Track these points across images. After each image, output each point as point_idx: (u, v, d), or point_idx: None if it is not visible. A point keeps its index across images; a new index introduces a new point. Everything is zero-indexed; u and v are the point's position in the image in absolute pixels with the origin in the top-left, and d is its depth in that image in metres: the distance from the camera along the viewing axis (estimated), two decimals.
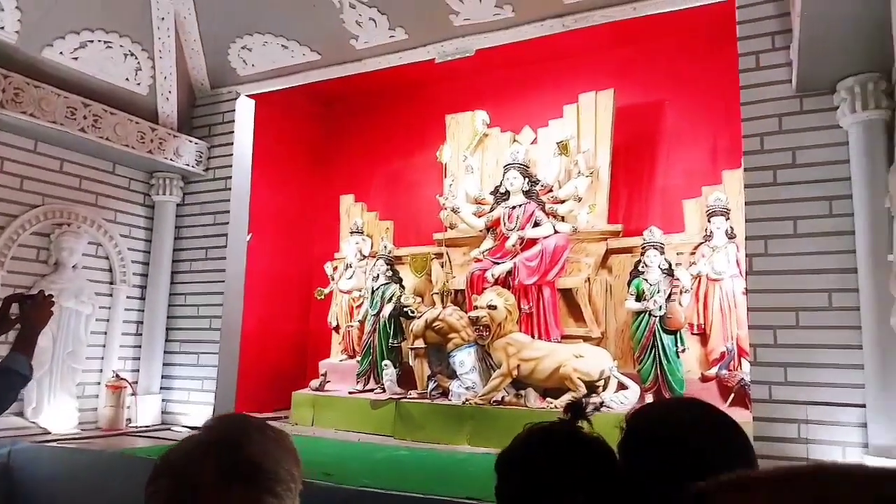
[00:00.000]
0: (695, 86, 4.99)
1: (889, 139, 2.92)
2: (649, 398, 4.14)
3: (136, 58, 4.70)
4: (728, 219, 4.42)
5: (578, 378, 4.20)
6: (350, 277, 5.56)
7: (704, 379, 4.29)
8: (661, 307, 4.27)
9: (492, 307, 4.45)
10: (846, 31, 2.64)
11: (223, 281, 4.76)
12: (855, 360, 2.90)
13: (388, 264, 5.26)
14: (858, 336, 2.90)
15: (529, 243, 4.81)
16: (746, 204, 3.26)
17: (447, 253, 5.15)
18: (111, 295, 4.71)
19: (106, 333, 4.64)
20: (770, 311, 3.14)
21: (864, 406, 2.85)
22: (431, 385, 4.66)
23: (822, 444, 2.91)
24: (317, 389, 5.11)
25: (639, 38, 5.05)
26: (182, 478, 0.77)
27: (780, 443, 2.98)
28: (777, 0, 3.28)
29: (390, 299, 5.11)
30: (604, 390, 4.23)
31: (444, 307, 4.74)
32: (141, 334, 4.84)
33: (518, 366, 4.36)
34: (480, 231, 5.14)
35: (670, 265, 4.40)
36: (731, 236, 4.39)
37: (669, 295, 4.29)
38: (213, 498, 0.76)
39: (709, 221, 4.46)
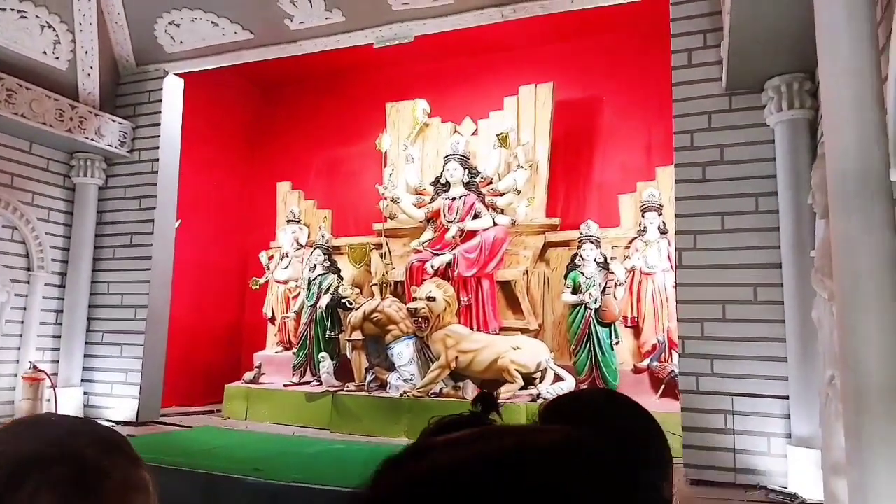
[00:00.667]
0: (631, 82, 5.02)
1: (812, 138, 2.97)
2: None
3: (55, 30, 4.37)
4: (661, 214, 4.47)
5: (516, 370, 4.20)
6: (286, 267, 5.42)
7: (637, 371, 4.35)
8: (596, 300, 4.29)
9: (431, 299, 4.39)
10: (773, 32, 2.66)
11: (149, 269, 4.55)
12: (779, 352, 2.95)
13: (325, 254, 5.13)
14: (782, 329, 2.95)
15: (469, 235, 4.78)
16: (676, 199, 3.28)
17: (387, 243, 5.06)
18: (28, 282, 4.43)
19: (23, 322, 4.39)
20: (698, 304, 3.18)
21: (787, 398, 2.90)
22: (369, 377, 4.59)
23: (749, 435, 2.95)
24: (251, 382, 4.97)
25: (578, 33, 5.05)
26: None
27: (708, 433, 3.01)
28: None
29: (328, 290, 4.99)
30: (541, 382, 4.23)
31: (382, 298, 4.66)
32: (61, 324, 4.58)
33: (456, 357, 4.32)
34: (420, 222, 5.08)
35: (605, 259, 4.43)
36: (663, 231, 4.44)
37: (604, 288, 4.33)
38: None
39: (643, 216, 4.52)
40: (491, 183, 4.99)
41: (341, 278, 5.09)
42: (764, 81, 3.09)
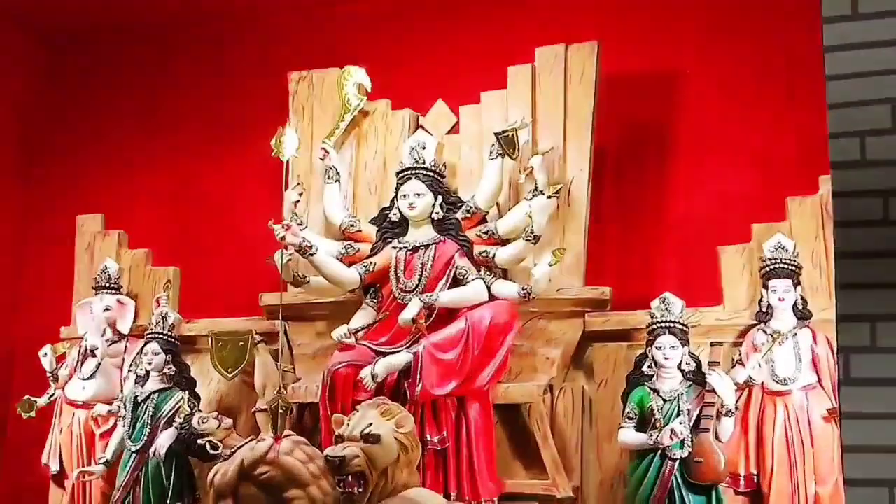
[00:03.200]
0: (739, 46, 5.07)
1: None
2: None
3: None
4: (798, 283, 4.45)
5: None
6: (90, 376, 5.29)
7: None
8: (683, 442, 4.17)
9: (371, 439, 4.13)
10: None
11: None
12: None
13: (167, 351, 4.98)
14: None
15: (442, 317, 4.68)
16: (839, 257, 3.11)
17: (286, 332, 4.91)
18: None
19: None
20: (881, 452, 2.96)
21: None
22: None
23: None
24: None
25: None
26: None
27: None
28: None
29: (170, 420, 4.83)
30: None
31: (276, 438, 4.34)
32: None
33: None
34: (351, 291, 4.99)
35: (699, 365, 4.35)
36: (803, 314, 4.42)
37: (698, 420, 4.23)
38: None
39: (764, 287, 4.49)
40: (484, 220, 4.94)
41: (196, 398, 4.97)
42: None
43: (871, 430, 2.93)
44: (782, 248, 4.47)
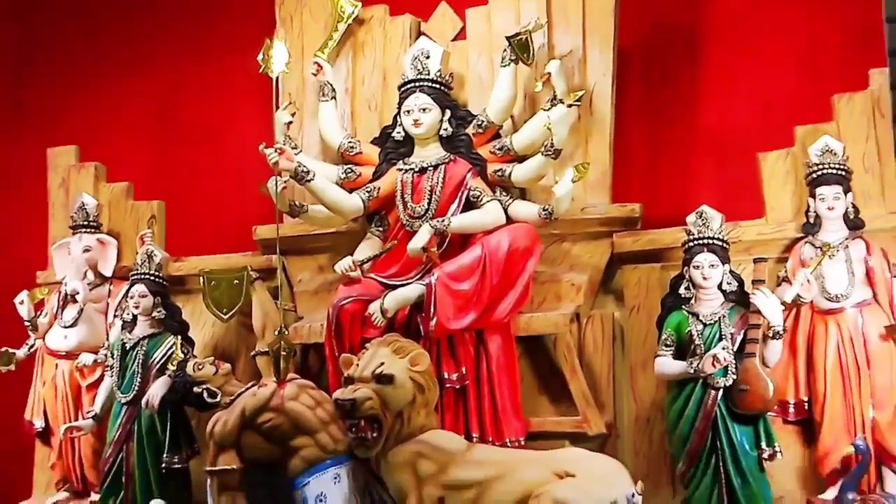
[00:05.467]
0: None
1: None
2: None
3: None
4: (849, 189, 4.39)
5: None
6: (72, 323, 5.34)
7: None
8: (727, 369, 4.14)
9: (384, 379, 4.15)
10: None
11: None
12: None
13: (155, 293, 5.01)
14: None
15: (456, 243, 4.67)
16: None
17: (283, 267, 4.96)
18: None
19: None
20: None
21: None
22: None
23: None
24: None
25: None
26: None
27: None
28: None
29: (162, 368, 4.85)
30: None
31: (279, 382, 4.42)
32: None
33: (442, 499, 4.11)
34: (353, 220, 4.99)
35: (741, 284, 4.32)
36: (854, 224, 4.38)
37: (742, 344, 4.19)
38: None
39: (811, 196, 4.44)
40: (498, 135, 4.90)
41: (190, 343, 5.01)
42: None
43: None
44: (830, 152, 4.40)
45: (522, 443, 4.47)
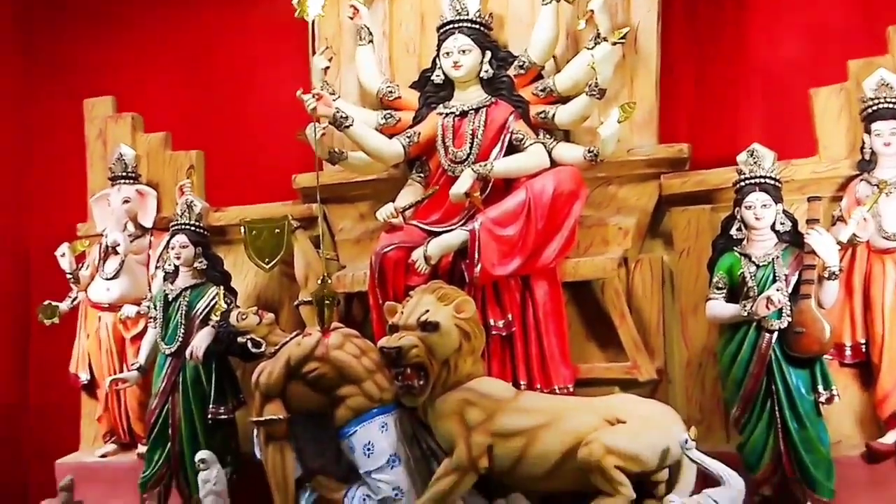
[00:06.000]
0: None
1: None
2: None
3: None
4: None
5: (617, 466, 3.97)
6: (114, 275, 5.38)
7: (873, 453, 4.25)
8: (781, 311, 4.13)
9: (430, 326, 4.18)
10: None
11: None
12: None
13: (196, 244, 5.03)
14: None
15: (499, 188, 4.66)
16: None
17: (324, 215, 4.98)
18: None
19: None
20: None
21: None
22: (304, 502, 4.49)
23: None
24: None
25: None
26: None
27: None
28: None
29: (205, 318, 4.91)
30: (670, 489, 4.06)
31: (324, 331, 4.44)
32: None
33: (490, 447, 4.14)
34: (394, 166, 5.00)
35: (795, 224, 4.29)
36: None
37: (797, 285, 4.18)
38: None
39: (867, 132, 4.39)
40: (540, 76, 4.87)
41: (233, 293, 5.04)
42: None
43: None
44: (886, 86, 4.34)
45: (571, 390, 4.49)
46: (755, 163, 4.32)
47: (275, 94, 5.45)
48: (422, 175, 4.90)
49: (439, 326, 4.15)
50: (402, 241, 4.63)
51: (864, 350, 4.35)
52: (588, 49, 4.65)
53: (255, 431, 4.58)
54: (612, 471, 3.93)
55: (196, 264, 5.03)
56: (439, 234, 4.61)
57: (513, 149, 4.69)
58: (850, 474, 4.18)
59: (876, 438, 4.26)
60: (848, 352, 4.37)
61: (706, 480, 4.04)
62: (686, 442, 3.97)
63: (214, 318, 4.83)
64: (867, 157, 4.37)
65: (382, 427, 4.33)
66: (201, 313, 4.95)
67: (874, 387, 4.31)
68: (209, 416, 4.88)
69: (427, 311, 4.19)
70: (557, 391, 4.45)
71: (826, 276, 4.13)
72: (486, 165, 4.59)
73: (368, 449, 4.30)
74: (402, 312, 4.27)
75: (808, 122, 4.69)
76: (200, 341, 4.83)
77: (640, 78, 4.85)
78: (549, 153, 4.67)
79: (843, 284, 4.29)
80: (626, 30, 4.69)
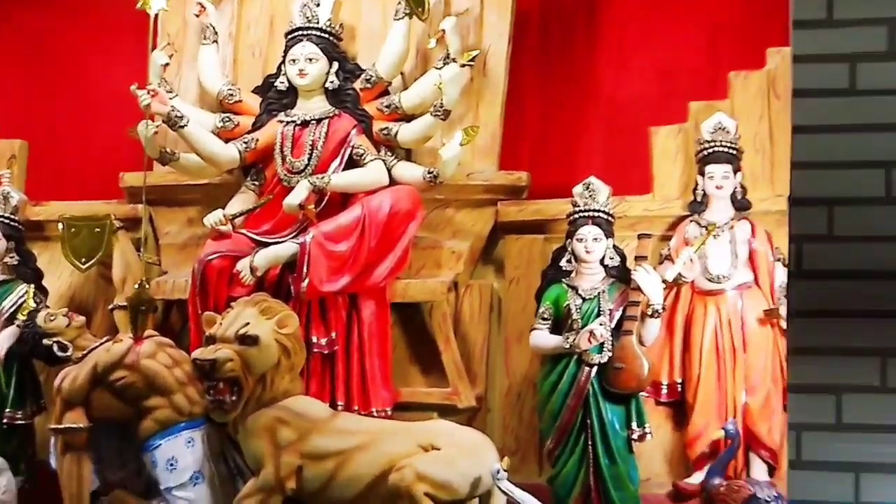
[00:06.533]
0: None
1: None
2: None
3: None
4: (738, 169, 4.45)
5: (427, 494, 3.97)
6: None
7: (680, 492, 4.33)
8: (602, 346, 4.19)
9: (247, 340, 4.11)
10: None
11: None
12: None
13: (8, 237, 4.92)
14: None
15: (334, 202, 4.64)
16: (796, 132, 3.01)
17: (150, 217, 4.89)
18: None
19: None
20: (831, 355, 2.88)
21: None
22: None
23: None
24: None
25: None
26: None
27: None
28: None
29: (11, 317, 4.80)
30: None
31: (136, 338, 4.37)
32: None
33: (300, 468, 4.09)
34: (228, 171, 4.92)
35: (624, 260, 4.37)
36: (741, 204, 4.45)
37: (621, 321, 4.24)
38: None
39: (700, 174, 4.49)
40: (387, 92, 4.86)
41: (43, 292, 4.93)
42: None
43: (821, 330, 2.85)
44: (723, 129, 4.45)
45: (389, 413, 4.50)
46: (590, 196, 4.36)
47: (110, 87, 5.32)
48: (256, 183, 4.84)
49: (258, 340, 4.10)
50: (228, 250, 4.58)
51: (679, 390, 4.43)
52: (437, 69, 4.67)
53: (53, 440, 4.46)
54: (422, 498, 3.93)
55: (7, 259, 4.90)
56: (269, 244, 4.58)
57: (352, 163, 4.68)
58: None
59: (684, 478, 4.34)
60: (664, 390, 4.44)
61: None
62: (498, 472, 3.99)
63: (21, 317, 4.74)
64: (699, 198, 4.46)
65: (189, 442, 4.25)
66: (7, 311, 4.82)
67: (686, 427, 4.38)
68: (5, 420, 4.74)
69: (247, 323, 4.13)
70: (375, 413, 4.44)
71: (649, 313, 4.20)
72: (323, 178, 4.57)
73: (172, 464, 4.22)
74: (220, 323, 4.20)
75: (646, 159, 4.77)
76: (3, 340, 4.73)
77: (486, 102, 4.88)
78: (389, 171, 4.68)
79: (665, 323, 4.37)
80: (475, 52, 4.73)
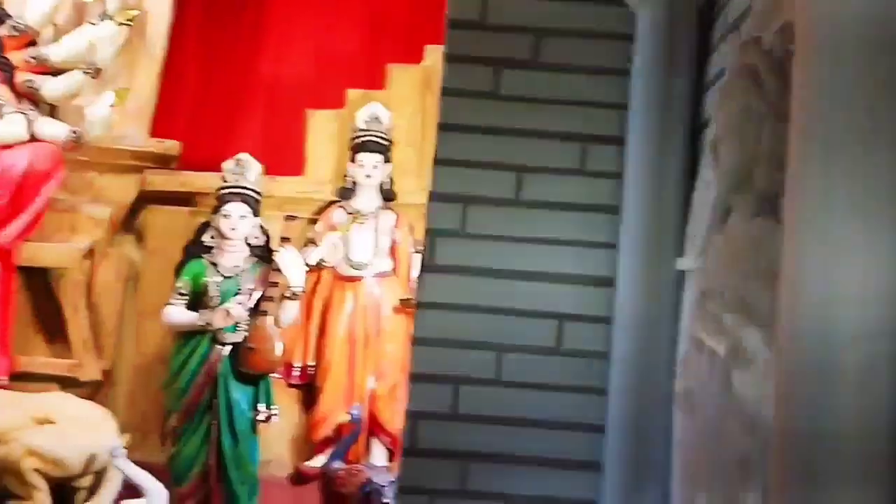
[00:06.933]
0: None
1: (708, 30, 3.04)
2: None
3: None
4: (389, 160, 4.58)
5: (37, 469, 3.93)
6: None
7: (300, 477, 4.40)
8: (237, 325, 4.20)
9: None
10: None
11: None
12: (592, 453, 2.89)
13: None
14: (602, 408, 2.89)
15: None
16: (441, 130, 3.13)
17: None
18: None
19: None
20: (451, 347, 2.97)
21: None
22: None
23: None
24: None
25: None
26: None
27: None
28: None
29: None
30: (92, 496, 4.05)
31: None
32: None
33: None
34: None
35: (269, 240, 4.38)
36: (387, 195, 4.58)
37: (258, 303, 4.26)
38: None
39: (352, 161, 4.59)
40: (34, 43, 4.65)
41: None
42: None
43: (446, 322, 2.95)
44: (377, 119, 4.56)
45: (6, 382, 4.31)
46: (240, 172, 4.36)
47: None
48: None
49: None
50: None
51: (311, 373, 4.50)
52: (92, 24, 4.55)
53: None
54: (30, 473, 3.88)
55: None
56: None
57: None
58: (275, 494, 4.28)
59: (307, 461, 4.41)
60: (296, 372, 4.49)
61: (136, 490, 4.01)
62: (115, 449, 3.96)
63: None
64: (349, 185, 4.55)
65: None
66: None
67: (313, 409, 4.47)
68: None
69: None
70: None
71: (289, 295, 4.23)
72: None
73: None
74: None
75: (301, 141, 4.82)
76: None
77: (142, 66, 4.80)
78: (30, 127, 4.48)
79: (304, 306, 4.43)
80: (135, 13, 4.64)
